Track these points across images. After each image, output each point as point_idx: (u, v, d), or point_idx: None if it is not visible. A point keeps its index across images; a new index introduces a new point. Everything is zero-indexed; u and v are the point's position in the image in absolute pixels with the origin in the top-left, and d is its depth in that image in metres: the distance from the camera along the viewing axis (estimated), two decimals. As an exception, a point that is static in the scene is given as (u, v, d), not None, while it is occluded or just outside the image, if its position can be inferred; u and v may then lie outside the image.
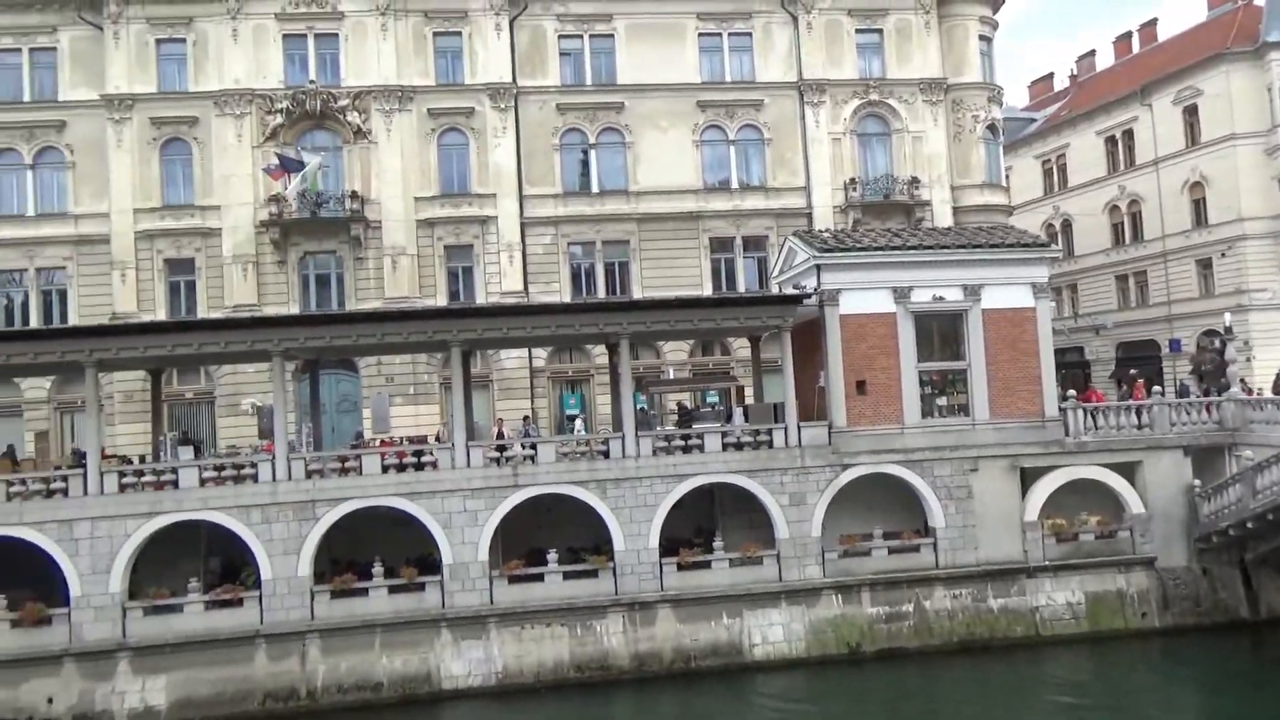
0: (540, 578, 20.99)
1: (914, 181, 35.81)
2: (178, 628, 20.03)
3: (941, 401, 22.91)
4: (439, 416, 32.26)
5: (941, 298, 22.74)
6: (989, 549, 22.00)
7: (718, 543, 21.66)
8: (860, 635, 21.15)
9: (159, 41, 33.45)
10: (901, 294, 22.56)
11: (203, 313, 32.02)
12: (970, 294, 22.75)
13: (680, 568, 21.23)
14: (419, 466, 21.44)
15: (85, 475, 20.56)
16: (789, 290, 24.06)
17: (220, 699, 19.56)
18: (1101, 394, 30.47)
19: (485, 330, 22.83)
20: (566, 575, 21.05)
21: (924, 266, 22.81)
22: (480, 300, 33.36)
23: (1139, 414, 23.25)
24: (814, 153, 35.90)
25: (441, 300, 33.41)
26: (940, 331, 23.08)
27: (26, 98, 33.34)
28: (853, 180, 35.68)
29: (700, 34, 35.93)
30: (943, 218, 35.37)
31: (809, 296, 22.58)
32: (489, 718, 19.72)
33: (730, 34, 36.14)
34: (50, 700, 19.28)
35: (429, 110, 34.26)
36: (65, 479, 20.72)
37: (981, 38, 37.60)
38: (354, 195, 33.26)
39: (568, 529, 22.06)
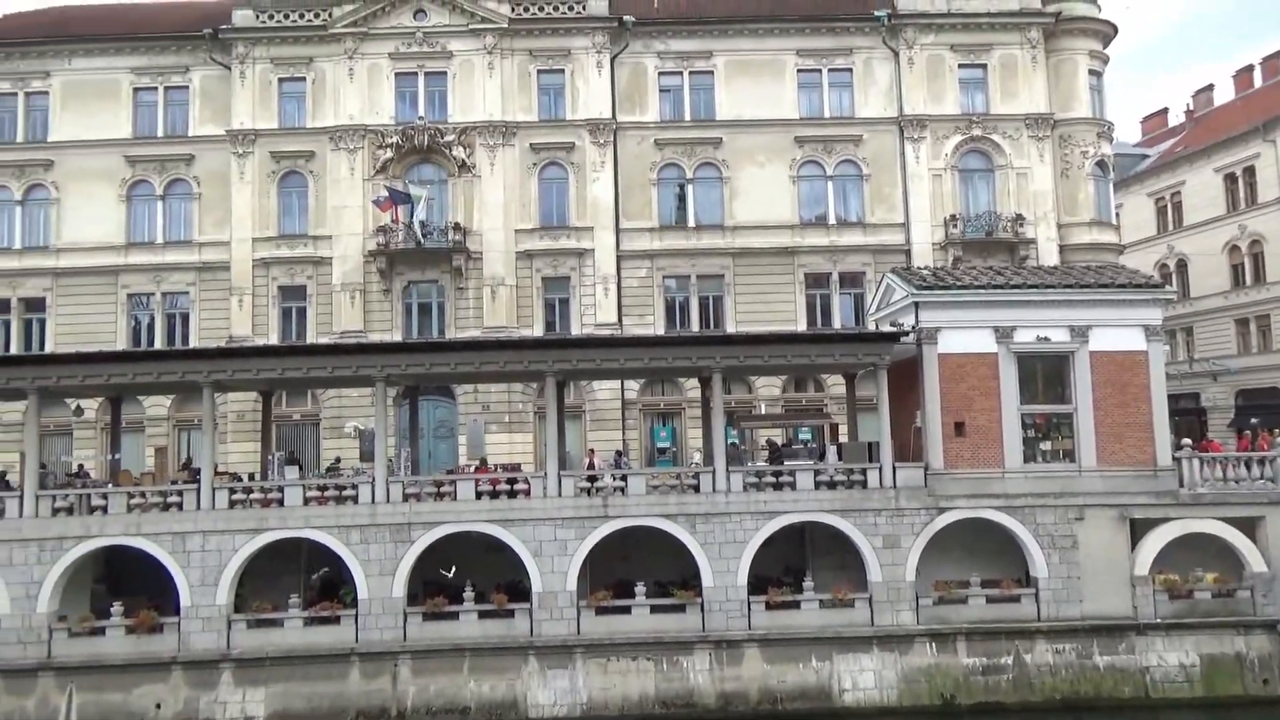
0: (627, 610, 20.96)
1: (1018, 219, 34.92)
2: (278, 641, 20.69)
3: (1045, 446, 22.07)
4: (532, 445, 32.77)
5: (1046, 338, 22.01)
6: (1095, 603, 21.00)
7: (808, 583, 21.28)
8: (955, 686, 20.39)
9: (281, 80, 35.33)
10: (1004, 334, 21.93)
11: (312, 338, 33.41)
12: (1077, 335, 21.96)
13: (769, 607, 20.92)
14: (512, 494, 21.76)
15: (199, 490, 21.54)
16: (886, 328, 23.69)
17: (315, 714, 20.10)
18: (1219, 444, 28.89)
19: (580, 361, 23.14)
20: (654, 609, 20.95)
21: (1028, 306, 22.14)
22: (575, 331, 33.87)
23: (1262, 465, 21.96)
24: (914, 189, 35.42)
25: (538, 330, 34.06)
26: (1045, 373, 22.31)
27: (160, 133, 35.61)
28: (953, 217, 35.02)
29: (799, 70, 36.02)
30: (1048, 256, 34.38)
31: (906, 334, 22.18)
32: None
33: (830, 70, 36.12)
34: (158, 706, 20.13)
35: (531, 145, 35.18)
36: (180, 493, 21.72)
37: (1091, 72, 36.60)
38: (457, 227, 34.31)
39: (655, 562, 21.98)
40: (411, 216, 33.28)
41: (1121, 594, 21.01)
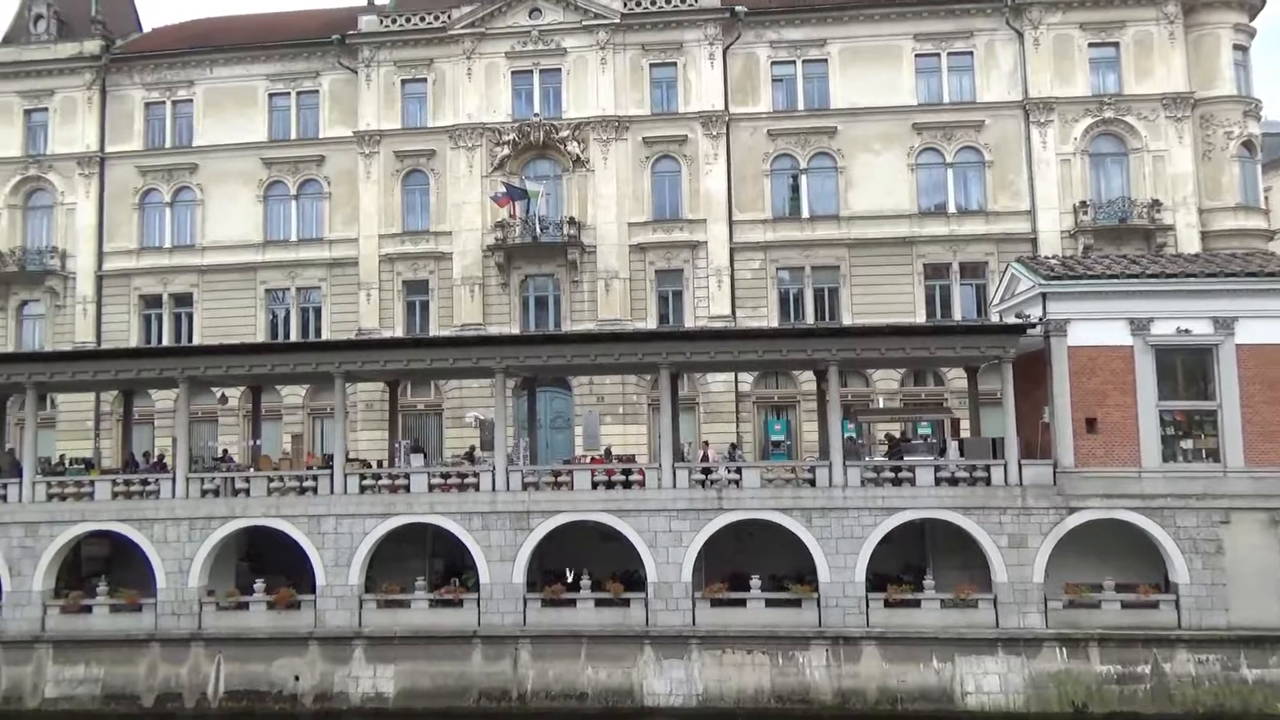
0: (742, 603, 20.96)
1: (1155, 204, 33.14)
2: (405, 621, 21.57)
3: (1186, 445, 20.93)
4: (645, 436, 33.07)
5: (1187, 331, 20.84)
6: (1243, 612, 19.79)
7: (928, 581, 20.80)
8: (1087, 695, 19.58)
9: (403, 82, 36.59)
10: (1139, 326, 20.86)
11: (434, 330, 34.58)
12: (1222, 327, 20.71)
13: (888, 604, 20.56)
14: (627, 485, 22.03)
15: (332, 476, 22.63)
16: (1011, 320, 22.87)
17: (441, 692, 20.89)
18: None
19: (693, 353, 23.23)
20: (769, 603, 20.90)
21: (1166, 296, 20.98)
22: (689, 324, 33.97)
23: None
24: (1040, 175, 34.04)
25: (651, 323, 34.31)
26: (1185, 368, 21.14)
27: (293, 136, 37.43)
28: (1083, 203, 33.51)
29: (917, 55, 35.10)
30: (1188, 244, 32.53)
31: (1033, 326, 21.36)
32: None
33: (949, 54, 35.05)
34: (297, 678, 21.32)
35: (643, 139, 35.41)
36: (315, 478, 22.87)
37: (1236, 47, 34.34)
38: (571, 221, 34.87)
39: (770, 555, 21.89)
40: (528, 212, 34.10)
41: (1272, 603, 19.75)
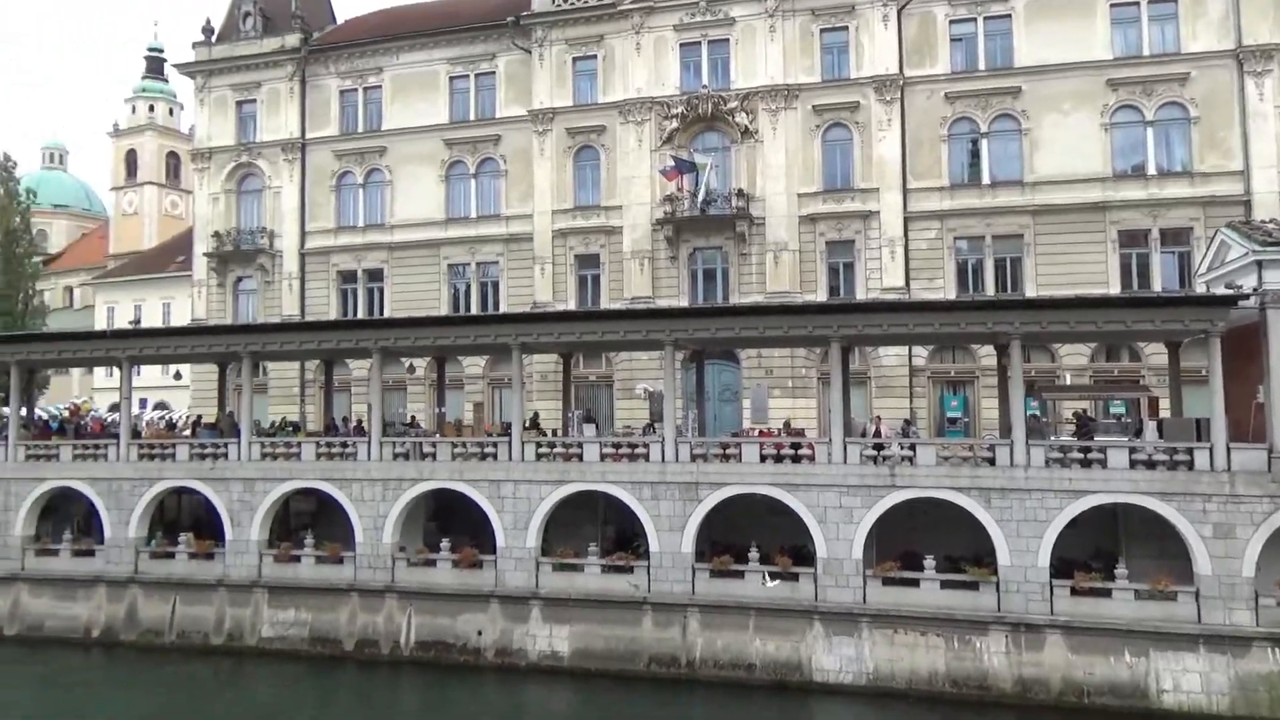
0: (915, 583, 20.46)
1: (1396, 160, 29.46)
2: (579, 585, 22.40)
3: None
4: (815, 410, 32.70)
5: None
6: None
7: (1120, 570, 19.59)
8: (1301, 698, 17.98)
9: (575, 60, 37.37)
10: (1375, 297, 18.71)
11: (605, 303, 35.40)
12: None
13: (1075, 592, 19.50)
14: (796, 459, 21.91)
15: (510, 443, 23.69)
16: (1219, 290, 21.01)
17: (612, 655, 21.62)
18: None
19: (865, 326, 22.73)
20: (944, 584, 20.29)
21: None
22: (860, 296, 33.22)
23: None
24: (1256, 131, 30.97)
25: (821, 295, 33.77)
26: None
27: (472, 116, 39.02)
28: (1308, 161, 30.20)
29: (1112, 5, 32.60)
30: None
31: (1245, 298, 19.53)
32: (862, 718, 19.63)
33: (1151, 2, 32.27)
34: (480, 633, 22.61)
35: (813, 107, 34.68)
36: (495, 445, 24.02)
37: None
38: (740, 193, 34.70)
39: (944, 535, 21.22)
40: (696, 184, 34.16)
41: None
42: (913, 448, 21.71)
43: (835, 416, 22.48)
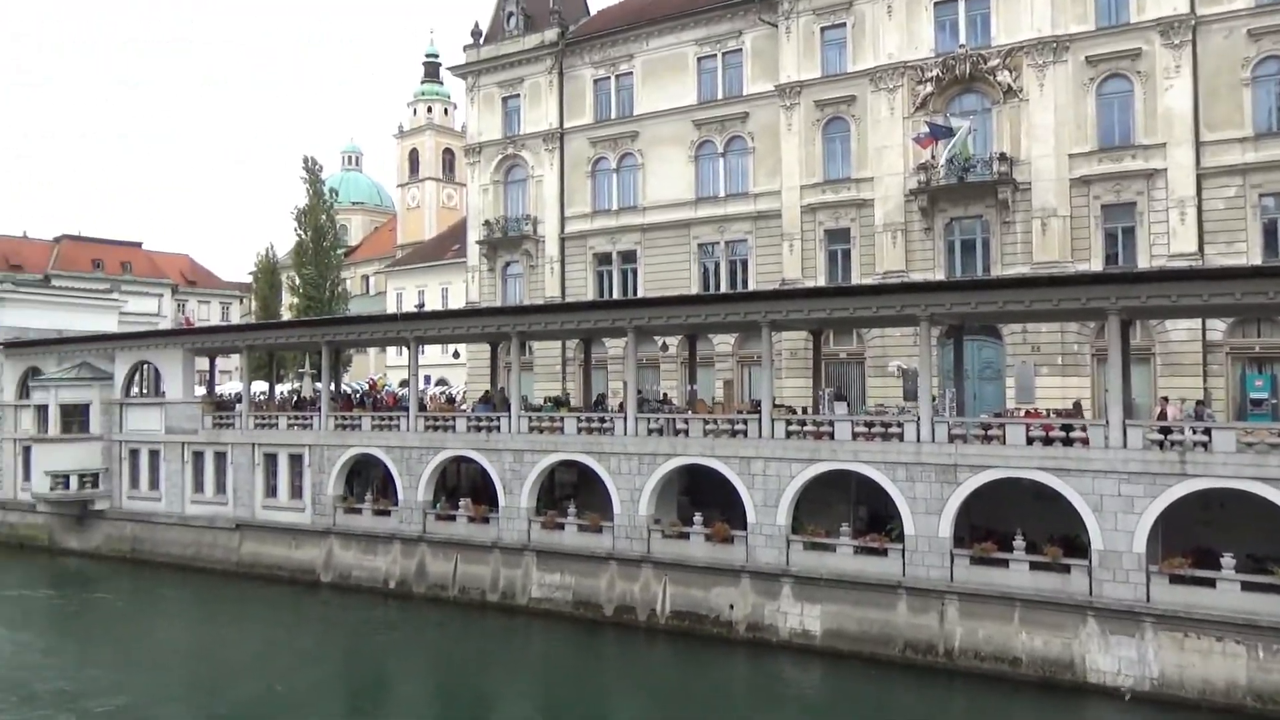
0: (1211, 583, 18.44)
1: None
2: (830, 565, 22.23)
3: None
4: (1089, 390, 30.19)
5: None
6: None
7: None
8: None
9: (822, 29, 36.53)
10: None
11: (856, 279, 34.55)
12: None
13: None
14: (1067, 442, 20.37)
15: (760, 421, 23.85)
16: None
17: (865, 638, 21.32)
18: None
19: (1150, 297, 20.60)
20: (1245, 586, 18.14)
21: None
22: (1142, 264, 30.15)
23: None
24: None
25: (1096, 264, 31.02)
26: None
27: (719, 96, 39.30)
28: None
29: None
30: None
31: None
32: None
33: None
34: (731, 607, 23.10)
35: (1086, 58, 31.76)
36: (745, 423, 24.30)
37: None
38: (1002, 157, 32.52)
39: (1244, 531, 18.99)
40: (953, 150, 32.37)
41: None
42: (1207, 432, 19.50)
43: (1113, 396, 20.67)
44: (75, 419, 35.83)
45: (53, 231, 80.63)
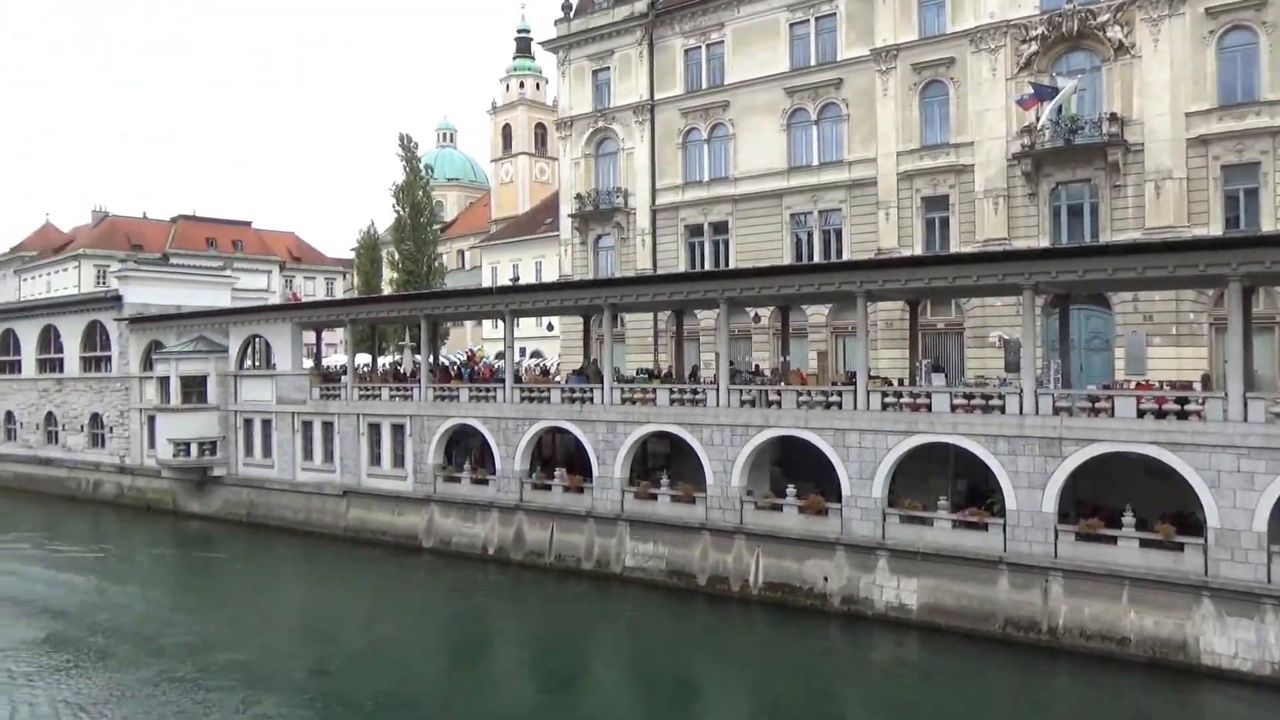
0: (1340, 564, 17.49)
1: None
2: (928, 538, 21.87)
3: None
4: (1206, 361, 28.75)
5: None
6: None
7: None
8: None
9: (921, -11, 35.35)
10: None
11: (955, 247, 33.60)
12: None
13: None
14: (1182, 415, 19.48)
15: (855, 392, 23.53)
16: None
17: (964, 613, 20.94)
18: None
19: (1275, 263, 19.42)
20: (1381, 568, 17.14)
21: None
22: (1266, 228, 28.43)
23: None
24: None
25: (1214, 229, 29.42)
26: None
27: (812, 62, 38.52)
28: None
29: None
30: None
31: None
32: (1264, 716, 17.30)
33: None
34: (825, 579, 22.98)
35: (1205, 10, 29.96)
36: (840, 394, 24.00)
37: None
38: (1112, 118, 31.03)
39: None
40: (1059, 112, 31.02)
41: None
42: (1340, 407, 18.39)
43: (1234, 368, 19.60)
44: (194, 390, 37.80)
45: (170, 212, 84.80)
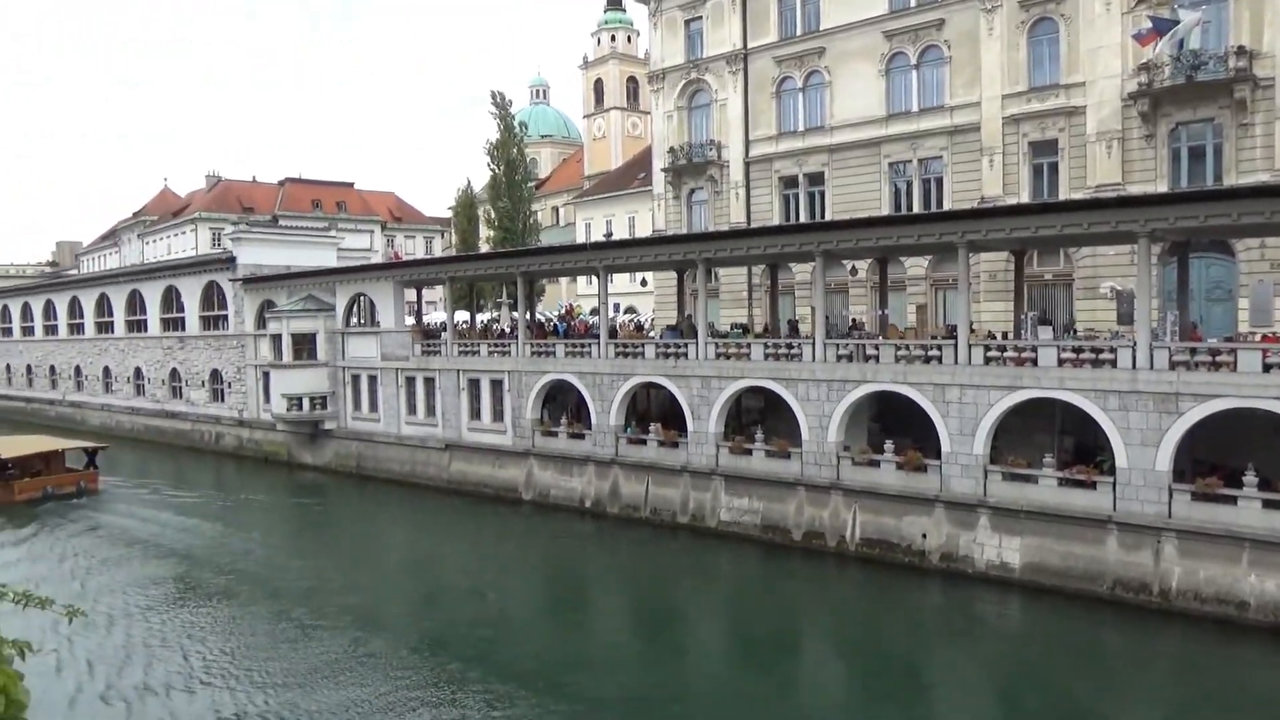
0: None
1: None
2: (1031, 496, 21.29)
3: None
4: (1340, 310, 26.94)
5: None
6: None
7: None
8: None
9: (1028, -78, 33.44)
10: None
11: (1064, 194, 32.07)
12: None
13: None
14: (1313, 369, 18.36)
15: (956, 346, 22.91)
16: None
17: (1069, 573, 20.39)
18: None
19: None
20: None
21: None
22: None
23: None
24: None
25: (1355, 168, 27.29)
26: None
27: (912, 3, 36.96)
28: None
29: None
30: None
31: None
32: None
33: None
34: (924, 536, 22.67)
35: (1355, -73, 27.45)
36: (939, 348, 23.41)
37: None
38: (1240, 51, 28.90)
39: None
40: (1180, 47, 29.06)
41: None
42: None
43: (1372, 319, 18.34)
44: (304, 347, 39.41)
45: (277, 175, 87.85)
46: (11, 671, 2.84)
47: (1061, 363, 21.30)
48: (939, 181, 36.27)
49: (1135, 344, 20.43)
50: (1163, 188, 29.86)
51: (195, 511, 33.11)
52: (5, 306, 67.30)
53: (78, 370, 58.00)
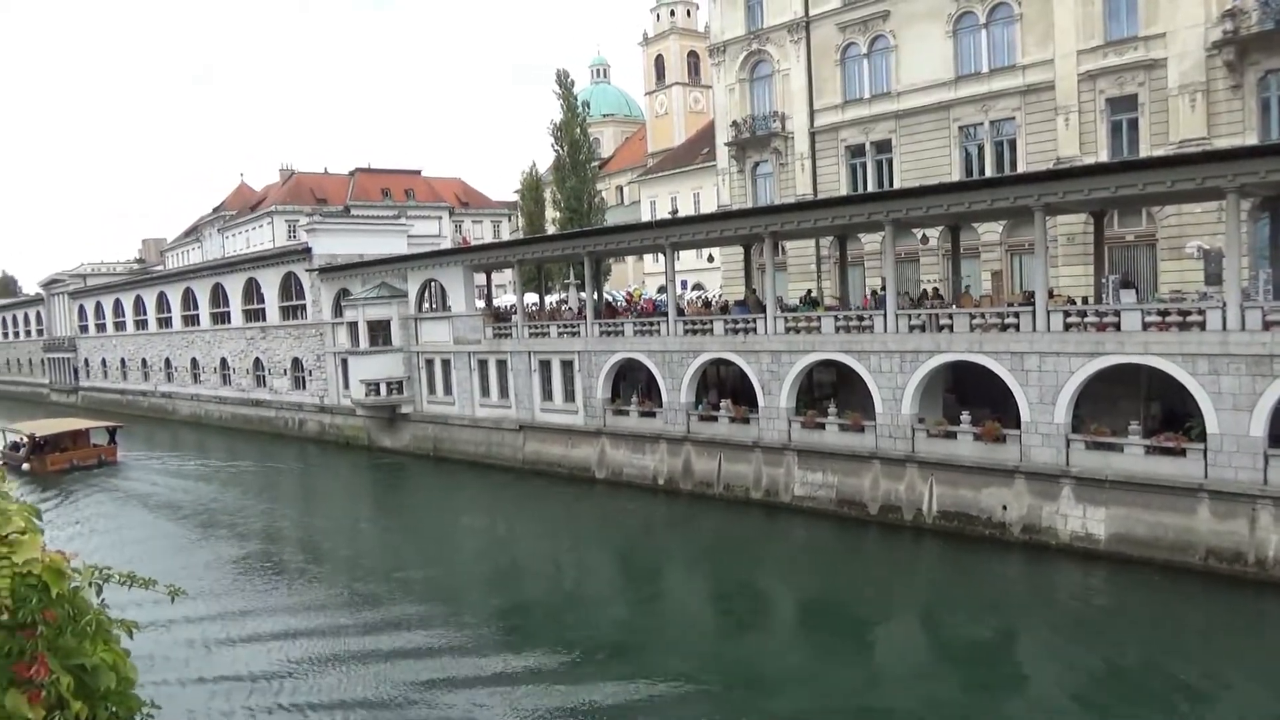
0: None
1: None
2: (1117, 465, 20.70)
3: None
4: None
5: None
6: None
7: None
8: None
9: None
10: None
11: (1145, 151, 30.82)
12: None
13: None
14: None
15: (1034, 313, 22.31)
16: None
17: (1158, 544, 19.80)
18: None
19: None
20: None
21: None
22: None
23: None
24: None
25: None
26: None
27: (982, -40, 35.80)
28: None
29: None
30: None
31: None
32: None
33: None
34: (1004, 508, 22.24)
35: None
36: (1017, 315, 22.82)
37: None
38: (1339, -10, 27.33)
39: None
40: (1272, -11, 27.59)
41: None
42: None
43: None
44: (380, 333, 40.34)
45: (346, 166, 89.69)
46: (120, 650, 3.02)
47: (1146, 327, 20.58)
48: (1012, 144, 35.20)
49: (1225, 305, 19.64)
50: (1251, 140, 28.48)
51: (282, 495, 34.35)
52: (99, 303, 70.37)
53: (168, 362, 60.44)
